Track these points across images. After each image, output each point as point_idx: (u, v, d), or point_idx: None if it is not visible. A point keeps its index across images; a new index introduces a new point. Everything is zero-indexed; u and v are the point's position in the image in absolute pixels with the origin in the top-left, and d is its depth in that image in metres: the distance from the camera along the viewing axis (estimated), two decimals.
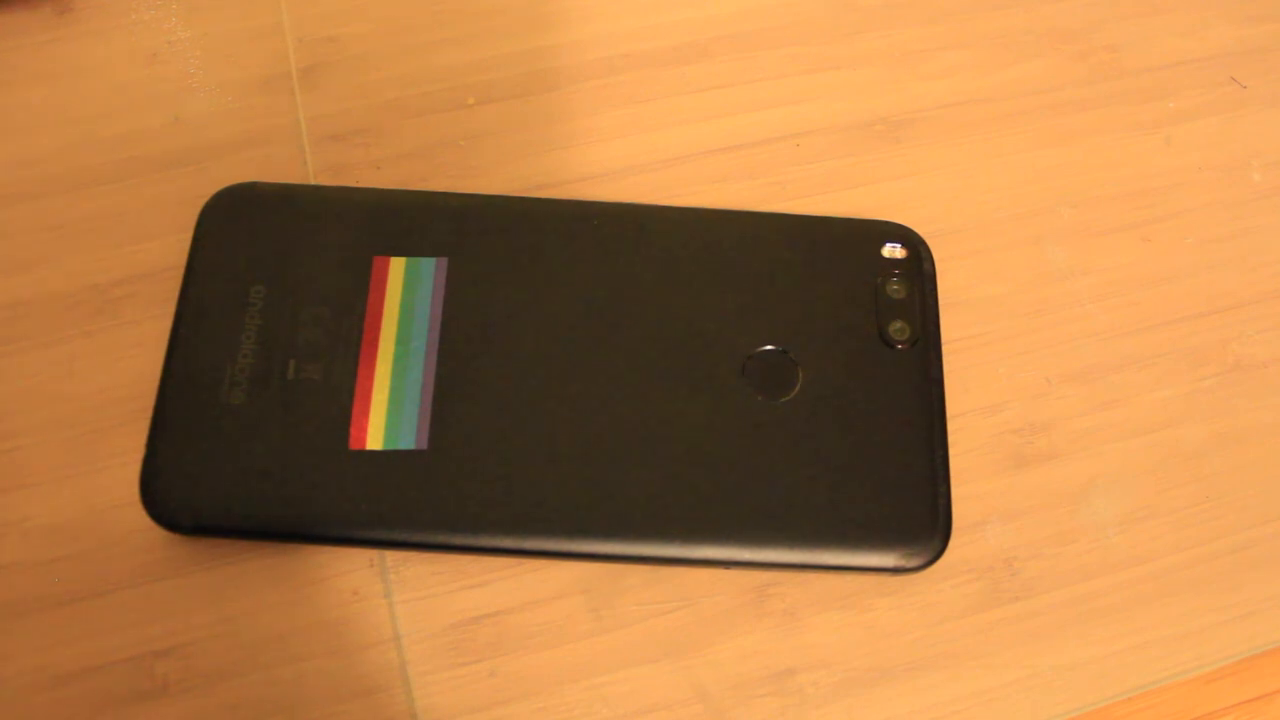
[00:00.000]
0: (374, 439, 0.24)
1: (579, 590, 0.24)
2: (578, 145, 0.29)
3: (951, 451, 0.25)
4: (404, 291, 0.25)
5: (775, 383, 0.25)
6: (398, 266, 0.25)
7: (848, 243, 0.27)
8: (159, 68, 0.29)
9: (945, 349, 0.27)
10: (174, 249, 0.26)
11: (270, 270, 0.25)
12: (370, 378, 0.24)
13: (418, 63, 0.30)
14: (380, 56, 0.30)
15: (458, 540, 0.23)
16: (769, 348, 0.25)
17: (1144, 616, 0.25)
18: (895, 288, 0.26)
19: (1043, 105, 0.31)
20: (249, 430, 0.24)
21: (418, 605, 0.24)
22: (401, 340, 0.25)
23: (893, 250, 0.27)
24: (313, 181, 0.28)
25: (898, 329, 0.26)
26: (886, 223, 0.27)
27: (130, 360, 0.25)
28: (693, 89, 0.30)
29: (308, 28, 0.30)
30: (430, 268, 0.25)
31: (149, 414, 0.24)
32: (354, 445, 0.24)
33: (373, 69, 0.30)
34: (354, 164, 0.28)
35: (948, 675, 0.24)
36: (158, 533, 0.23)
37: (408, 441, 0.24)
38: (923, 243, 0.27)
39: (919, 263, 0.27)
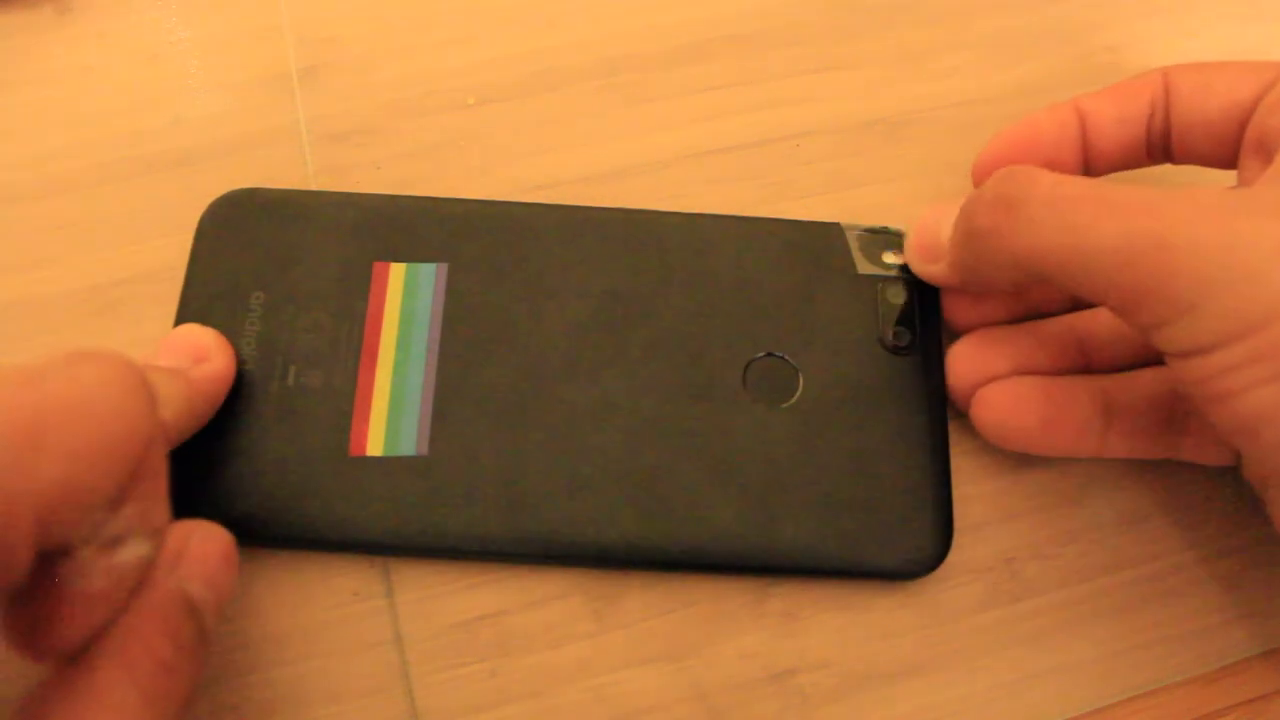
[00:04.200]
0: (374, 445, 0.24)
1: (579, 590, 0.24)
2: (578, 145, 0.29)
3: (951, 451, 0.25)
4: (404, 297, 0.25)
5: (776, 388, 0.25)
6: (398, 272, 0.25)
7: (847, 247, 0.27)
8: (159, 68, 0.29)
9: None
10: (174, 249, 0.26)
11: (270, 276, 0.25)
12: (370, 384, 0.24)
13: (418, 63, 0.30)
14: (380, 56, 0.30)
15: (458, 547, 0.23)
16: (769, 353, 0.25)
17: (1144, 616, 0.25)
18: (895, 293, 0.26)
19: (1043, 105, 0.30)
20: (248, 436, 0.24)
21: (418, 605, 0.24)
22: (402, 346, 0.25)
23: (893, 255, 0.27)
24: (313, 182, 0.28)
25: (898, 334, 0.26)
26: (887, 228, 0.27)
27: None
28: (692, 89, 0.30)
29: (308, 28, 0.30)
30: (430, 273, 0.25)
31: None
32: (354, 452, 0.24)
33: (373, 69, 0.30)
34: (354, 164, 0.28)
35: (948, 675, 0.24)
36: None
37: (408, 448, 0.24)
38: None
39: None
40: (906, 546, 0.24)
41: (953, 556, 0.24)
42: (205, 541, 0.20)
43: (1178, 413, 0.24)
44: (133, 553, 0.18)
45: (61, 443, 0.16)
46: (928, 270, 0.25)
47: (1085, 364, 0.25)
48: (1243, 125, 0.24)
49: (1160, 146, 0.25)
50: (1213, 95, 0.24)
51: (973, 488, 0.26)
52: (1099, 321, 0.25)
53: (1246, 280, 0.19)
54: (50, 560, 0.17)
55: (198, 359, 0.23)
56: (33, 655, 0.17)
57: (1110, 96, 0.25)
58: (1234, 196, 0.20)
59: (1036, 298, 0.26)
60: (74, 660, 0.17)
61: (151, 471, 0.18)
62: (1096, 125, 0.25)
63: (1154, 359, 0.25)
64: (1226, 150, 0.24)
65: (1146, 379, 0.24)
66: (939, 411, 0.25)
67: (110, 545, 0.18)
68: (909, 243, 0.26)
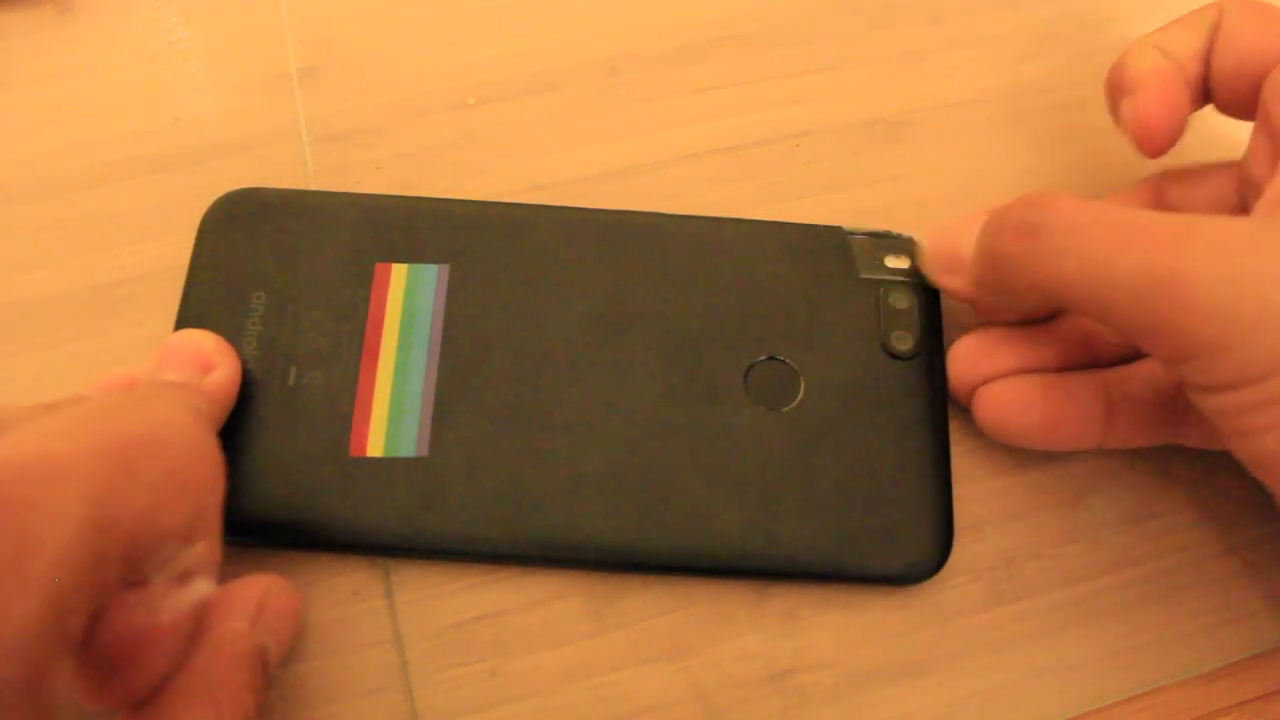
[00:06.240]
0: (375, 446, 0.24)
1: (579, 590, 0.24)
2: (578, 145, 0.29)
3: (952, 452, 0.25)
4: (405, 298, 0.25)
5: (777, 392, 0.25)
6: (399, 273, 0.25)
7: (850, 251, 0.26)
8: (159, 68, 0.29)
9: None
10: (174, 249, 0.26)
11: (271, 277, 0.25)
12: (371, 385, 0.24)
13: (417, 63, 0.30)
14: (380, 56, 0.30)
15: (458, 548, 0.23)
16: (771, 357, 0.25)
17: (1144, 616, 0.25)
18: (898, 297, 0.26)
19: (1043, 105, 0.31)
20: (249, 436, 0.24)
21: (418, 605, 0.24)
22: (403, 347, 0.25)
23: (896, 260, 0.26)
24: (313, 182, 0.28)
25: (900, 339, 0.26)
26: (890, 232, 0.27)
27: (130, 362, 0.25)
28: (692, 89, 0.30)
29: (308, 28, 0.30)
30: (432, 275, 0.25)
31: None
32: (355, 452, 0.24)
33: (373, 69, 0.30)
34: (354, 164, 0.28)
35: (948, 675, 0.24)
36: None
37: (408, 449, 0.24)
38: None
39: (921, 273, 0.26)
40: (907, 552, 0.24)
41: (953, 556, 0.24)
42: (281, 597, 0.21)
43: (1180, 398, 0.24)
44: (199, 590, 0.19)
45: (147, 474, 0.17)
46: (946, 281, 0.25)
47: (1091, 359, 0.25)
48: (1254, 86, 0.23)
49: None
50: (1235, 46, 0.23)
51: (973, 488, 0.26)
52: None
53: (1268, 322, 0.18)
54: (125, 591, 0.18)
55: (204, 368, 0.23)
56: (101, 700, 0.18)
57: (1178, 32, 0.24)
58: (1255, 228, 0.20)
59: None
60: (144, 709, 0.18)
61: (214, 510, 0.19)
62: (1182, 63, 0.24)
63: None
64: (1241, 104, 0.24)
65: (1147, 368, 0.24)
66: (941, 416, 0.25)
67: (181, 580, 0.19)
68: (925, 252, 0.26)
